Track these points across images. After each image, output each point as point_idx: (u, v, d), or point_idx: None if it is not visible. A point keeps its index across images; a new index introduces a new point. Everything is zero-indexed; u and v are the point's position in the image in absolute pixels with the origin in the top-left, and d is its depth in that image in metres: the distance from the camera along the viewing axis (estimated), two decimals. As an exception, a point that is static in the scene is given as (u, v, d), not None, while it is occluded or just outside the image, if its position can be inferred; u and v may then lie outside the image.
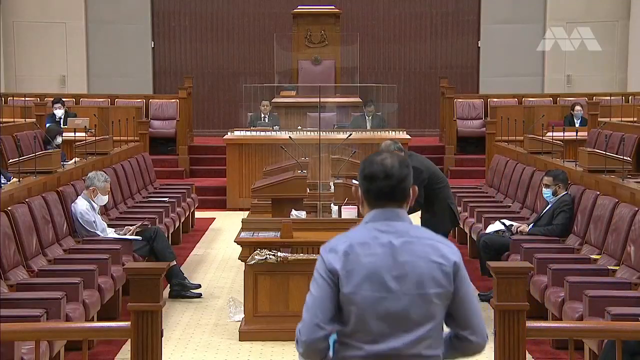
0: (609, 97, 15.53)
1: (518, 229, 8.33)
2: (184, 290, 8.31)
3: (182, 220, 10.95)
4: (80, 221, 8.19)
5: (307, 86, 16.12)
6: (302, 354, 3.09)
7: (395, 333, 3.00)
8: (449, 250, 3.10)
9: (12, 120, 13.78)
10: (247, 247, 6.87)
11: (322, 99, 14.23)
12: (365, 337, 3.02)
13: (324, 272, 3.04)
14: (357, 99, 15.73)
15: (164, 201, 10.67)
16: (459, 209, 10.61)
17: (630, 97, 17.22)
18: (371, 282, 3.01)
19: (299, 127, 14.33)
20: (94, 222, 8.23)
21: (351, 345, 3.03)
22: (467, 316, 3.05)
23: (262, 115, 14.82)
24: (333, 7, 17.18)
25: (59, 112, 14.61)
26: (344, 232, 3.15)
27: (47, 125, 13.27)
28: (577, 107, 15.32)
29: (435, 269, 3.04)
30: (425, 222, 7.45)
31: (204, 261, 10.08)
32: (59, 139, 11.62)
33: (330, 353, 3.06)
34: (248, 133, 13.96)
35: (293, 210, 7.48)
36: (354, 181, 4.52)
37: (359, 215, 7.35)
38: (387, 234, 3.06)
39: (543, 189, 8.39)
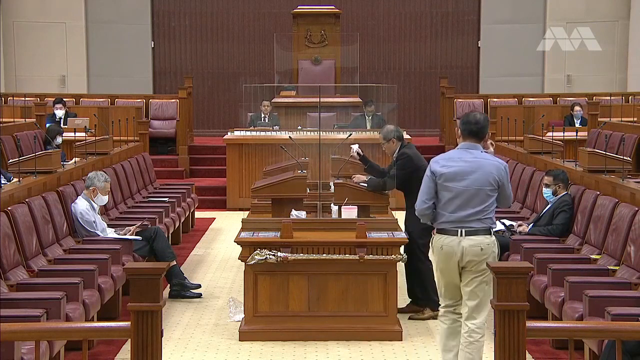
0: (609, 97, 15.53)
1: (518, 229, 8.33)
2: (184, 290, 8.31)
3: (182, 220, 10.95)
4: (80, 221, 8.18)
5: (307, 86, 16.11)
6: (419, 217, 5.83)
7: (465, 208, 5.60)
8: (499, 168, 5.64)
9: (12, 120, 13.78)
10: (247, 247, 6.86)
11: (322, 99, 14.22)
12: (449, 209, 5.62)
13: (429, 173, 5.70)
14: (357, 99, 15.73)
15: (164, 201, 10.67)
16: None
17: (630, 97, 17.22)
18: (454, 180, 5.61)
19: (299, 127, 14.32)
20: (94, 222, 8.23)
21: (441, 214, 5.66)
22: (501, 200, 5.73)
23: (263, 116, 14.82)
24: (333, 7, 17.18)
25: (60, 113, 14.61)
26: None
27: (47, 125, 13.26)
28: (577, 108, 15.32)
29: (490, 176, 5.61)
30: (408, 217, 7.54)
31: (204, 261, 10.08)
32: (59, 139, 11.63)
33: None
34: (248, 133, 13.96)
35: (293, 210, 7.48)
36: (458, 122, 6.01)
37: (359, 215, 7.42)
38: (467, 155, 5.66)
39: (543, 188, 8.39)
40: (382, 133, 7.84)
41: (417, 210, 5.74)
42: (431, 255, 6.53)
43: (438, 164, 5.68)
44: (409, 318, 7.42)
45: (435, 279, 5.94)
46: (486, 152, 5.80)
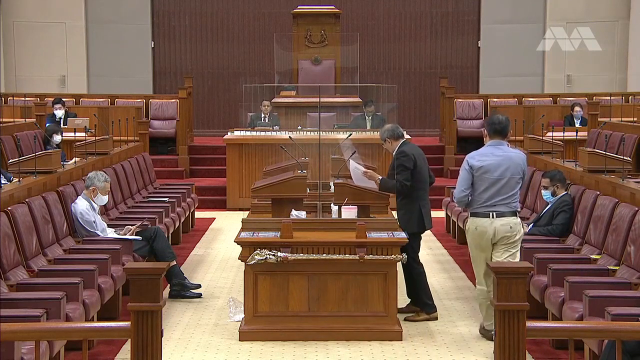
0: (609, 97, 15.53)
1: None
2: (184, 290, 8.31)
3: (182, 220, 10.95)
4: (80, 221, 8.18)
5: (307, 86, 16.12)
6: (457, 203, 6.93)
7: (497, 195, 6.65)
8: (523, 159, 6.79)
9: (12, 120, 13.77)
10: (247, 247, 6.86)
11: (322, 99, 14.23)
12: (483, 197, 6.66)
13: (467, 166, 6.70)
14: (357, 99, 15.73)
15: (164, 201, 10.67)
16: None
17: (630, 97, 17.21)
18: (488, 172, 6.65)
19: (299, 127, 14.32)
20: (94, 222, 8.23)
21: (475, 200, 6.71)
22: (522, 185, 6.82)
23: (263, 116, 14.82)
24: (333, 7, 17.18)
25: (59, 113, 14.61)
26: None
27: (47, 125, 13.26)
28: (577, 108, 15.32)
29: (518, 168, 6.70)
30: (398, 219, 7.55)
31: (204, 261, 10.08)
32: (56, 137, 11.57)
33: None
34: (248, 133, 13.97)
35: (293, 210, 7.48)
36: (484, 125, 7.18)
37: (359, 215, 7.42)
38: (498, 150, 6.71)
39: (542, 191, 8.39)
40: (379, 135, 7.84)
41: (457, 198, 6.81)
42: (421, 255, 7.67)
43: (474, 159, 6.72)
44: (405, 319, 7.41)
45: (472, 260, 6.88)
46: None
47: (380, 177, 7.61)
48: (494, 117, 6.85)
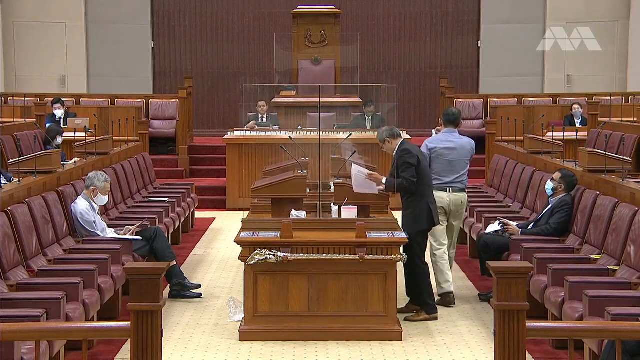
0: (609, 97, 15.52)
1: (503, 223, 8.30)
2: (184, 290, 8.31)
3: (182, 220, 10.95)
4: (80, 221, 8.18)
5: (307, 86, 16.12)
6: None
7: (452, 174, 8.06)
8: (472, 145, 8.23)
9: (12, 120, 13.77)
10: (247, 247, 6.86)
11: (322, 99, 14.23)
12: (441, 175, 8.00)
13: (426, 150, 7.98)
14: (357, 99, 15.73)
15: (164, 201, 10.67)
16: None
17: (630, 97, 17.22)
18: (443, 155, 8.05)
19: (299, 127, 14.32)
20: (94, 222, 8.23)
21: (435, 178, 7.86)
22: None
23: (260, 116, 14.82)
24: (333, 7, 17.18)
25: (59, 112, 14.62)
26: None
27: (47, 125, 13.26)
28: (575, 106, 15.33)
29: (468, 150, 8.17)
30: (404, 218, 7.52)
31: (204, 261, 10.08)
32: (59, 139, 11.61)
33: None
34: (248, 133, 13.97)
35: (293, 210, 7.48)
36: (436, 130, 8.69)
37: (359, 215, 7.43)
38: (451, 137, 8.15)
39: (548, 181, 8.38)
40: (377, 137, 7.83)
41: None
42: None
43: (433, 143, 8.13)
44: (405, 319, 7.41)
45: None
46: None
47: (385, 178, 7.60)
48: (448, 109, 8.42)
